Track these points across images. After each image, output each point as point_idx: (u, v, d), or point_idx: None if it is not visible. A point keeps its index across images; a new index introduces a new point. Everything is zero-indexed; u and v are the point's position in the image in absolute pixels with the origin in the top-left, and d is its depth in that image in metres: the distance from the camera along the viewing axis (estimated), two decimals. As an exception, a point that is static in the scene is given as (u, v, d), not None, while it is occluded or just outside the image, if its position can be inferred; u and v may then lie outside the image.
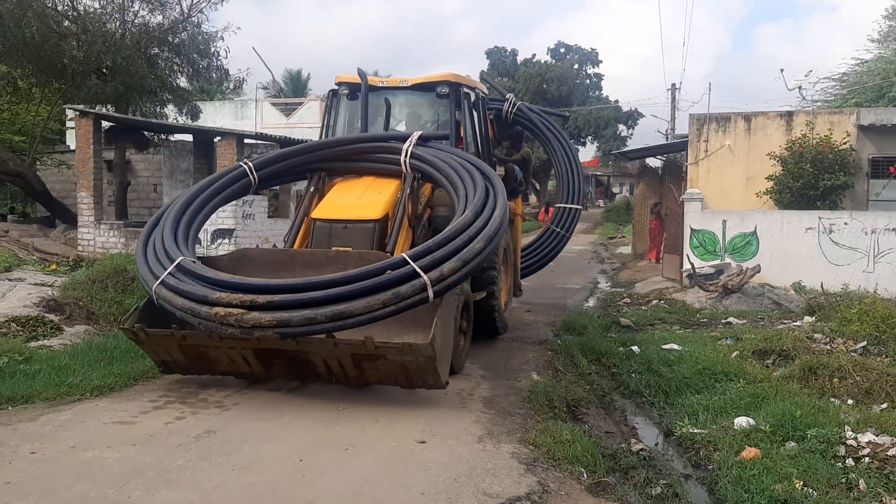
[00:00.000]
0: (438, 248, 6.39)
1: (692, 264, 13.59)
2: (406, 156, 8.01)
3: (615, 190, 70.58)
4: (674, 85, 24.90)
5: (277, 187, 17.99)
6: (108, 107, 19.93)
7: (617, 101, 46.46)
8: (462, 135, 9.34)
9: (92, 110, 16.76)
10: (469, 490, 4.77)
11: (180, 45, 20.31)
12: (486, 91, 10.64)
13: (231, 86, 24.84)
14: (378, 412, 6.33)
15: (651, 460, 6.03)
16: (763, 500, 4.87)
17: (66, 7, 18.65)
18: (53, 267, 13.32)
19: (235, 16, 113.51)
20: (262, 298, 6.08)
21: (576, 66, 47.18)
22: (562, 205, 13.15)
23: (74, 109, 17.25)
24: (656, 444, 6.51)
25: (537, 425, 6.28)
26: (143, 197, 22.51)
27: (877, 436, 5.96)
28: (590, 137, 46.98)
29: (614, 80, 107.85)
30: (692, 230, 14.41)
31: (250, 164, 8.36)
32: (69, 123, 24.35)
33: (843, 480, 5.21)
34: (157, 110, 21.29)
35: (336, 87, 9.64)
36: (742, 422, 6.34)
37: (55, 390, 6.79)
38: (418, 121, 9.87)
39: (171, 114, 22.53)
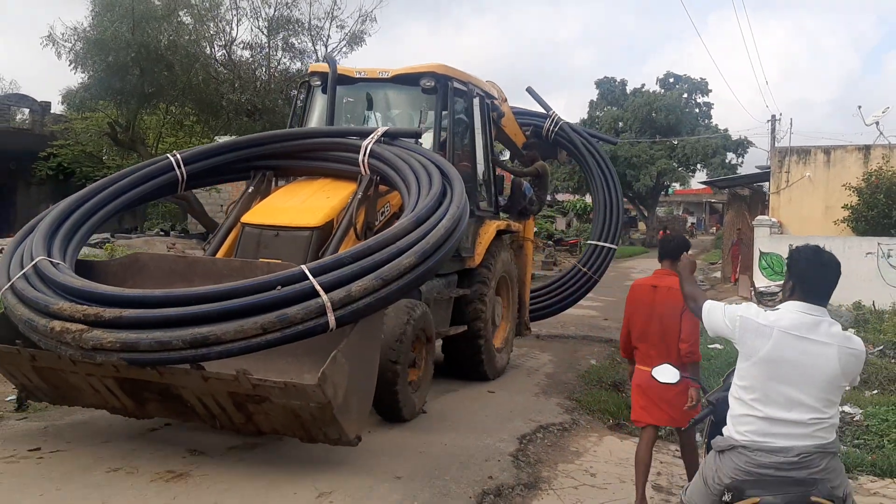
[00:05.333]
0: (354, 262, 5.08)
1: (753, 283, 15.07)
2: (364, 154, 6.71)
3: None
4: (773, 116, 25.99)
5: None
6: (255, 140, 23.20)
7: (726, 130, 47.00)
8: (446, 137, 7.84)
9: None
10: (519, 417, 7.02)
11: (315, 88, 23.30)
12: (489, 90, 9.14)
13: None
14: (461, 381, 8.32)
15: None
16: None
17: (224, 57, 22.11)
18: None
19: (363, 56, 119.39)
20: (108, 313, 4.82)
21: (685, 96, 48.05)
22: (594, 242, 11.52)
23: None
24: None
25: (583, 390, 8.37)
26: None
27: (851, 408, 7.72)
28: (699, 165, 47.74)
29: (733, 105, 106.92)
30: (761, 253, 15.87)
31: (178, 156, 7.06)
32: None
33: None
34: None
35: (308, 79, 8.45)
36: (748, 395, 8.20)
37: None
38: (403, 120, 8.47)
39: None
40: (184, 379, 4.99)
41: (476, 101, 8.54)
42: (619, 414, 7.56)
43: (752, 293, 15.33)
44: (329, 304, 4.83)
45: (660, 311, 4.88)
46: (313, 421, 4.95)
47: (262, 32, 22.31)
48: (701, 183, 38.79)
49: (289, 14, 22.12)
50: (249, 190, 7.15)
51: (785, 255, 15.29)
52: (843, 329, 3.26)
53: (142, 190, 6.90)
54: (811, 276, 3.22)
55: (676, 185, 54.61)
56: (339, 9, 22.61)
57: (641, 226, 54.95)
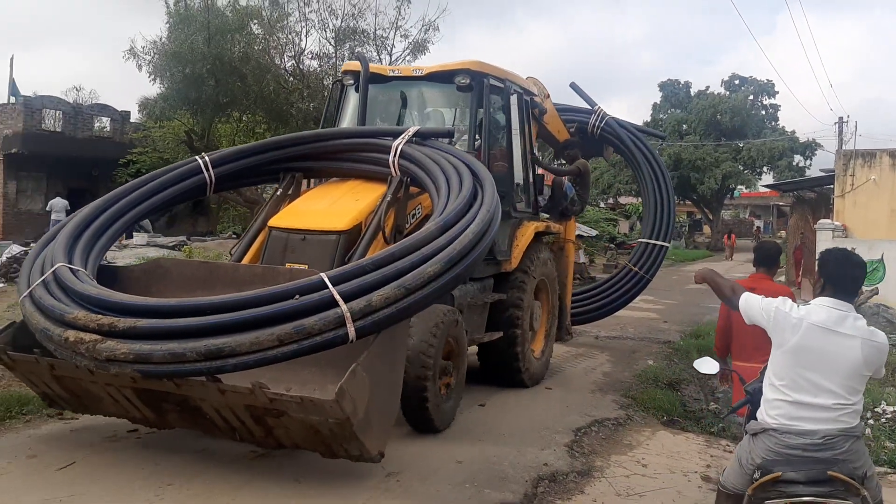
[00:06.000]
0: (376, 269, 4.87)
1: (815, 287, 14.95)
2: (395, 155, 6.51)
3: (797, 221, 68.69)
4: (840, 118, 25.32)
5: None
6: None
7: (793, 132, 46.22)
8: (481, 137, 7.59)
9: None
10: (575, 411, 7.31)
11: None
12: (528, 87, 8.84)
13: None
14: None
15: (720, 415, 8.20)
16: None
17: (293, 67, 22.98)
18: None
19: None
20: (122, 323, 4.68)
21: (750, 98, 47.45)
22: (644, 240, 11.19)
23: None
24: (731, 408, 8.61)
25: (639, 388, 8.64)
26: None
27: (890, 405, 7.86)
28: (765, 168, 47.03)
29: (804, 105, 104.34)
30: (823, 256, 15.76)
31: (206, 158, 6.91)
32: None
33: (856, 429, 7.21)
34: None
35: (340, 78, 8.23)
36: (802, 394, 8.40)
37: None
38: (437, 119, 8.27)
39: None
40: (201, 391, 4.84)
41: (513, 98, 8.25)
42: (674, 411, 7.85)
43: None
44: (349, 315, 4.61)
45: None
46: (333, 436, 4.78)
47: (330, 43, 23.06)
48: (764, 186, 38.17)
49: (355, 25, 22.93)
50: (278, 192, 7.01)
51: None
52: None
53: (169, 193, 6.77)
54: (839, 275, 3.53)
55: (742, 189, 53.74)
56: (403, 19, 23.31)
57: (706, 229, 54.27)
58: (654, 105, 49.68)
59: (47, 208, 22.37)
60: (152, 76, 21.92)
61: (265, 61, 21.43)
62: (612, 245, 33.47)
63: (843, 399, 3.38)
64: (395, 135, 6.76)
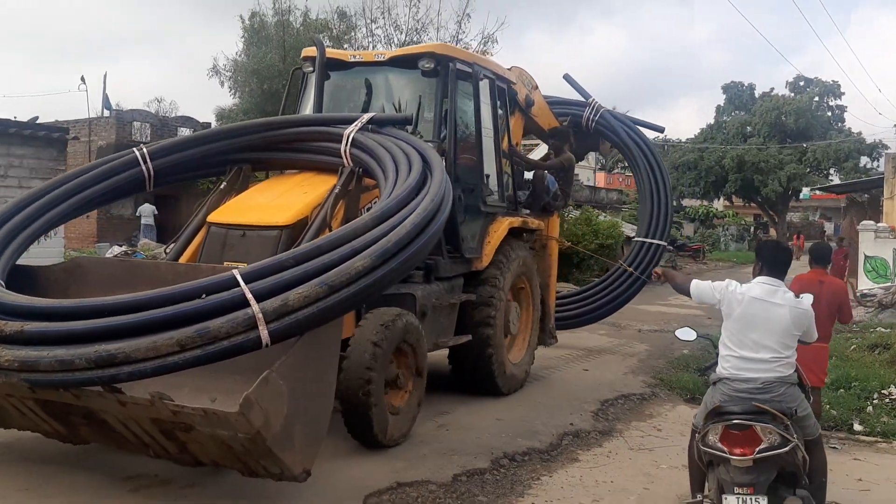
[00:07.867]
0: (297, 265, 4.40)
1: (855, 287, 15.59)
2: (347, 144, 6.07)
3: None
4: (902, 120, 25.22)
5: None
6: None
7: (860, 133, 45.66)
8: (446, 125, 7.12)
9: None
10: (605, 388, 8.39)
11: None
12: (503, 73, 8.29)
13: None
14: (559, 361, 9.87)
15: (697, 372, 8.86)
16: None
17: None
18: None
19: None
20: (9, 327, 4.25)
21: (816, 99, 47.10)
22: (640, 239, 10.60)
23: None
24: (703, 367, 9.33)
25: (669, 372, 9.63)
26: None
27: (896, 388, 8.65)
28: (832, 170, 46.64)
29: (876, 105, 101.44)
30: (866, 256, 16.35)
31: (144, 150, 6.43)
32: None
33: (859, 408, 8.10)
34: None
35: (301, 65, 7.80)
36: (816, 380, 9.22)
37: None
38: (403, 107, 7.59)
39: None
40: (101, 402, 4.34)
41: (484, 84, 7.69)
42: (697, 391, 8.80)
43: (857, 295, 15.89)
44: (261, 316, 4.12)
45: (827, 298, 6.26)
46: (247, 453, 4.24)
47: (395, 56, 24.52)
48: (818, 189, 37.98)
49: (418, 39, 24.14)
50: (222, 186, 6.54)
51: (889, 258, 16.21)
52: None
53: (103, 187, 6.30)
54: (771, 259, 4.58)
55: (807, 190, 53.22)
56: (464, 33, 24.44)
57: (772, 231, 53.86)
58: (718, 107, 49.66)
59: (137, 213, 24.08)
60: (232, 91, 23.78)
61: (335, 75, 22.98)
62: (671, 247, 34.02)
63: (778, 353, 4.39)
64: (349, 122, 6.32)
